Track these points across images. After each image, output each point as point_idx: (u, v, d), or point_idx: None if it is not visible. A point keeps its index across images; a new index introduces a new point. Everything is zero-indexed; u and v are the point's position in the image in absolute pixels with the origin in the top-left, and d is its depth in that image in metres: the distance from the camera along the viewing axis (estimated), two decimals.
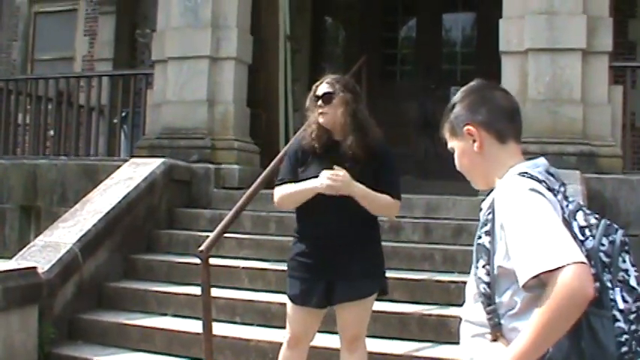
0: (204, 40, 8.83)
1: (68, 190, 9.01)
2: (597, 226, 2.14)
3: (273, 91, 9.80)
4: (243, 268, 6.71)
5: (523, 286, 2.02)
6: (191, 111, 8.86)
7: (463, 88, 2.45)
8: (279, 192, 4.34)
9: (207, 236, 5.38)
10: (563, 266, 1.93)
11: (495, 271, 2.17)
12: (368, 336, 4.48)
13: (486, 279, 2.19)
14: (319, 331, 4.52)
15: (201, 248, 4.93)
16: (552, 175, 2.26)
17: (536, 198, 2.10)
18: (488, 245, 2.20)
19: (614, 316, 2.04)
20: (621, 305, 2.05)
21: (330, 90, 4.26)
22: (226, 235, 5.97)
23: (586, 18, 7.40)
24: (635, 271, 2.12)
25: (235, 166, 8.60)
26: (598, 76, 7.50)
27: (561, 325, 1.96)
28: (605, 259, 2.09)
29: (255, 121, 9.44)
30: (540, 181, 2.17)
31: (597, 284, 2.03)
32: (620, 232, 2.15)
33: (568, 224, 2.11)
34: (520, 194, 2.13)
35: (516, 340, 2.03)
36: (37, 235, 7.58)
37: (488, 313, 2.19)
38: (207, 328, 5.01)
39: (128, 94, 10.03)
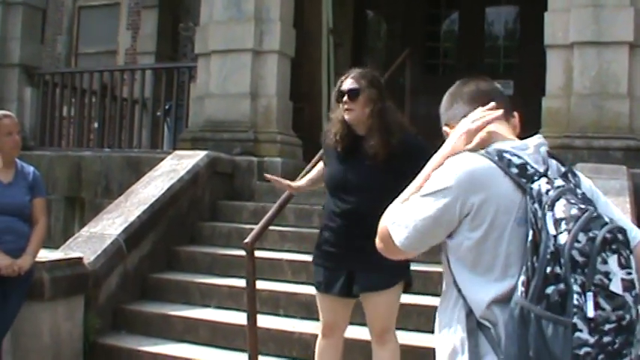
0: (247, 33, 8.84)
1: (112, 181, 9.09)
2: (578, 218, 1.84)
3: (316, 85, 9.79)
4: (286, 260, 6.73)
5: None
6: (234, 104, 8.90)
7: None
8: None
9: (250, 229, 5.38)
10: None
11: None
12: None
13: None
14: (356, 323, 4.51)
15: (247, 240, 4.94)
16: (546, 156, 2.08)
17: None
18: None
19: (574, 325, 1.77)
20: (590, 313, 1.76)
21: (355, 86, 4.17)
22: (270, 227, 5.98)
23: (633, 11, 7.26)
24: (628, 273, 1.82)
25: (278, 159, 8.60)
26: None
27: None
28: (578, 258, 1.80)
29: (297, 115, 9.46)
30: (516, 164, 2.01)
31: (562, 286, 1.80)
32: (607, 227, 1.83)
33: (534, 216, 1.90)
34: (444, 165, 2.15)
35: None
36: (81, 227, 7.68)
37: None
38: (252, 320, 5.02)
39: (171, 87, 10.10)
